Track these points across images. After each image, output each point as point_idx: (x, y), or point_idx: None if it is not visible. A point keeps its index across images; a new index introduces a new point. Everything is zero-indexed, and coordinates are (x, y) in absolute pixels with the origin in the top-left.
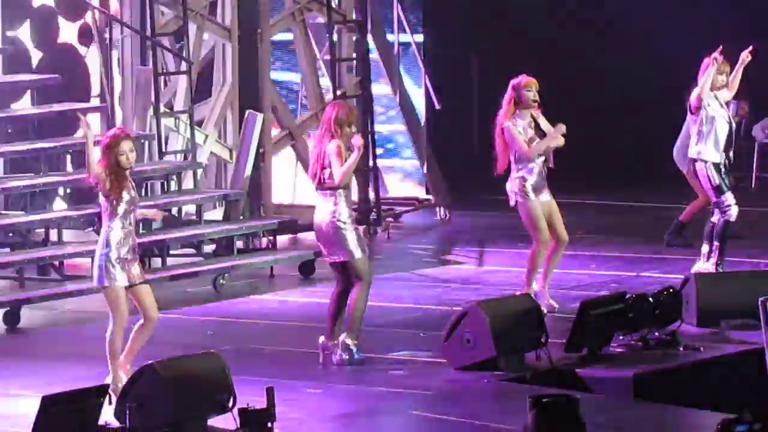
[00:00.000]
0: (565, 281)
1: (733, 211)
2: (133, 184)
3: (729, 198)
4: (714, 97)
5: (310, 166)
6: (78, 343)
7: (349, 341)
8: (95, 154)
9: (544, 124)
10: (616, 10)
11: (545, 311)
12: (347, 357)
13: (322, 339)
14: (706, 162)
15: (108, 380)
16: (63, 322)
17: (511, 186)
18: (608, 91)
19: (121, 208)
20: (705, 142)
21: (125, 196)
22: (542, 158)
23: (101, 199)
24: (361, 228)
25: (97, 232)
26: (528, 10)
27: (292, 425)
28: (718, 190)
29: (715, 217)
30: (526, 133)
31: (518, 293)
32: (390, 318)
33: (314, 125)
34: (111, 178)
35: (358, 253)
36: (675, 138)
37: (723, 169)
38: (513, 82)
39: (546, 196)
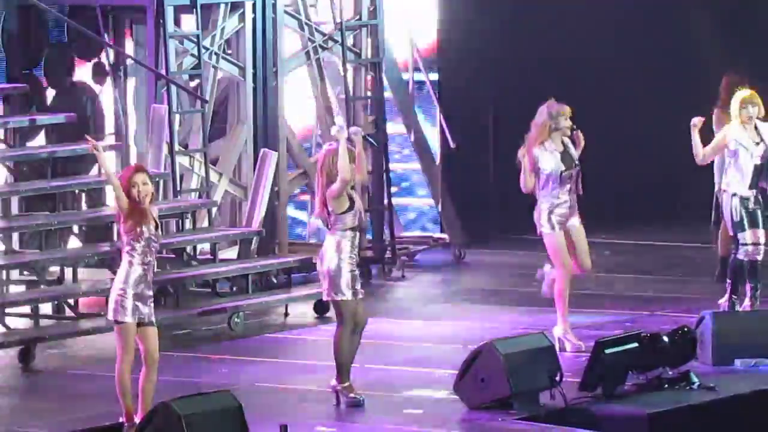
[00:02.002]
0: (580, 320)
1: (744, 251)
2: (156, 219)
3: (746, 236)
4: (745, 129)
5: (316, 209)
6: (92, 382)
7: (339, 387)
8: (113, 180)
9: (572, 150)
10: (634, 49)
11: (571, 349)
12: (345, 403)
13: (333, 381)
14: (733, 195)
15: (122, 419)
16: (77, 360)
17: (536, 216)
18: (622, 130)
19: (141, 245)
20: (729, 175)
21: (144, 232)
22: (567, 186)
23: (122, 233)
24: (375, 266)
25: (115, 271)
26: (545, 49)
27: None
28: (738, 226)
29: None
30: (554, 157)
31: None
32: (404, 356)
33: None
34: (128, 214)
35: (346, 295)
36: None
37: (751, 205)
38: (550, 109)
39: (575, 221)
